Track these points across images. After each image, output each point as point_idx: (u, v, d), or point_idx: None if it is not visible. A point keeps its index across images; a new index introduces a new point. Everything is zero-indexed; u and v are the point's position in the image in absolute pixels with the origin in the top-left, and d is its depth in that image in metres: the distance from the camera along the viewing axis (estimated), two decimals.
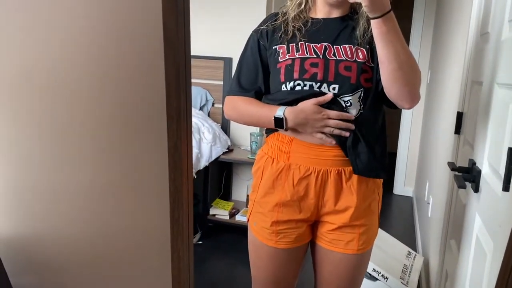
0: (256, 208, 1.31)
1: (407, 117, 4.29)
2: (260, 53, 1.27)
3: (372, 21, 1.05)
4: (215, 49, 3.20)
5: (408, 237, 3.27)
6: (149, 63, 0.57)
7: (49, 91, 0.71)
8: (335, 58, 1.17)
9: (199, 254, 2.85)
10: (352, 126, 1.18)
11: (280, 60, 1.21)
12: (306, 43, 1.20)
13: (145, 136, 0.64)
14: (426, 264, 2.47)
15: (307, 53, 1.18)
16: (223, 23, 3.16)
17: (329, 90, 1.16)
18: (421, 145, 4.02)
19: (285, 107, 1.19)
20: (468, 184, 1.27)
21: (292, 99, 1.19)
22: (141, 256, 0.72)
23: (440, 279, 1.81)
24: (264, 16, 3.03)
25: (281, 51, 1.22)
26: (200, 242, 2.97)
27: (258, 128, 3.07)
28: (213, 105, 3.26)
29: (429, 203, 2.59)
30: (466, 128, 1.54)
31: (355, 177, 1.22)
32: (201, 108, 3.22)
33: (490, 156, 1.13)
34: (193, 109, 3.09)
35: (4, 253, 0.88)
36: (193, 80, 3.25)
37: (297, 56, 1.19)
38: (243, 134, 3.21)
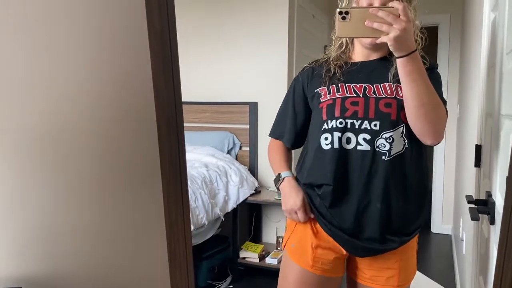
0: (296, 231, 1.34)
1: (440, 152, 4.21)
2: (294, 98, 1.39)
3: (397, 60, 1.11)
4: (240, 95, 3.32)
5: (447, 277, 3.13)
6: (141, 111, 0.64)
7: (56, 141, 0.80)
8: (375, 96, 1.22)
9: None
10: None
11: (321, 101, 1.28)
12: (346, 84, 1.26)
13: (141, 178, 0.70)
14: None
15: (347, 92, 1.25)
16: (247, 70, 3.30)
17: (370, 127, 1.20)
18: (455, 181, 3.91)
19: (281, 180, 1.37)
20: (486, 217, 1.25)
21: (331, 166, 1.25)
22: None
23: None
24: (285, 64, 3.17)
25: (322, 93, 1.29)
26: (231, 286, 2.96)
27: None
28: (240, 148, 3.34)
29: (462, 240, 2.51)
30: (484, 161, 1.52)
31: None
32: (228, 152, 3.30)
33: (501, 187, 1.12)
34: (220, 153, 3.18)
35: None
36: (220, 125, 3.36)
37: (337, 96, 1.26)
38: (270, 175, 3.25)
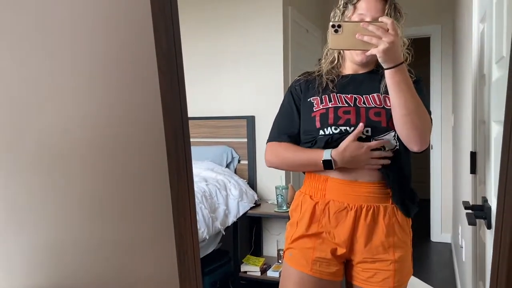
0: (294, 242, 1.37)
1: (436, 161, 4.25)
2: (294, 103, 1.42)
3: (386, 71, 1.19)
4: (237, 109, 3.36)
5: (449, 284, 3.14)
6: (150, 127, 0.68)
7: (66, 157, 0.83)
8: (365, 106, 1.30)
9: None
10: (391, 154, 1.29)
11: (314, 110, 1.34)
12: (338, 94, 1.34)
13: (149, 191, 0.73)
14: None
15: (339, 102, 1.32)
16: (243, 84, 3.35)
17: (363, 132, 1.27)
18: (453, 189, 3.94)
19: (330, 149, 1.29)
20: (484, 222, 1.28)
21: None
22: None
23: None
24: (281, 77, 3.22)
25: (315, 102, 1.36)
26: None
27: (284, 181, 3.13)
28: (239, 162, 3.36)
29: (462, 247, 2.53)
30: (479, 167, 1.56)
31: (387, 213, 1.30)
32: (227, 166, 3.33)
33: (496, 192, 1.15)
34: (219, 167, 3.20)
35: None
36: (218, 140, 3.40)
37: (330, 105, 1.33)
38: (270, 188, 3.28)
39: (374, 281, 1.31)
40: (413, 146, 1.26)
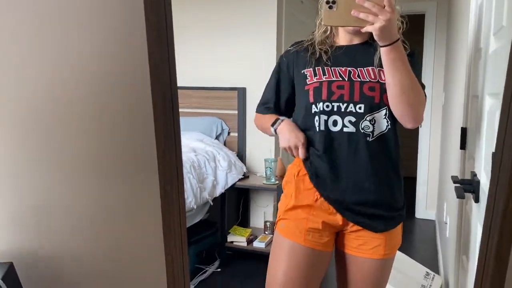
0: (287, 213, 1.36)
1: (425, 140, 4.27)
2: (279, 74, 1.43)
3: (381, 49, 1.16)
4: (229, 80, 3.32)
5: (431, 260, 3.21)
6: (136, 85, 0.65)
7: (53, 120, 0.80)
8: (359, 80, 1.27)
9: (218, 282, 2.87)
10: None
11: (308, 83, 1.32)
12: (332, 67, 1.30)
13: (135, 153, 0.71)
14: (447, 286, 2.42)
15: (333, 76, 1.29)
16: (235, 55, 3.29)
17: (355, 110, 1.26)
18: (440, 167, 3.98)
19: (280, 121, 1.36)
20: (471, 196, 1.28)
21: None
22: (139, 267, 0.78)
23: None
24: (273, 50, 3.17)
25: (308, 74, 1.33)
26: (219, 270, 2.99)
27: (273, 154, 3.12)
28: (228, 134, 3.34)
29: (446, 223, 2.56)
30: (469, 143, 1.56)
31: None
32: (217, 137, 3.30)
33: (486, 165, 1.15)
34: (208, 138, 3.18)
35: (21, 270, 0.95)
36: (208, 111, 3.36)
37: (324, 79, 1.29)
38: (259, 161, 3.27)
39: (365, 249, 1.32)
40: (408, 123, 1.25)
